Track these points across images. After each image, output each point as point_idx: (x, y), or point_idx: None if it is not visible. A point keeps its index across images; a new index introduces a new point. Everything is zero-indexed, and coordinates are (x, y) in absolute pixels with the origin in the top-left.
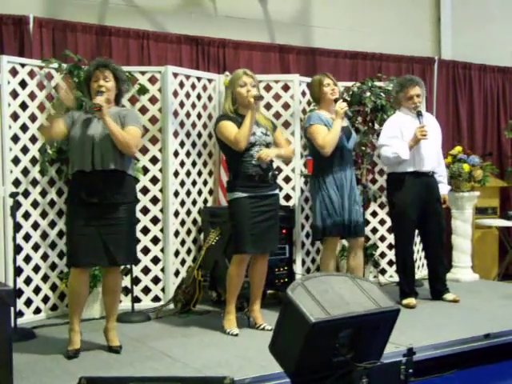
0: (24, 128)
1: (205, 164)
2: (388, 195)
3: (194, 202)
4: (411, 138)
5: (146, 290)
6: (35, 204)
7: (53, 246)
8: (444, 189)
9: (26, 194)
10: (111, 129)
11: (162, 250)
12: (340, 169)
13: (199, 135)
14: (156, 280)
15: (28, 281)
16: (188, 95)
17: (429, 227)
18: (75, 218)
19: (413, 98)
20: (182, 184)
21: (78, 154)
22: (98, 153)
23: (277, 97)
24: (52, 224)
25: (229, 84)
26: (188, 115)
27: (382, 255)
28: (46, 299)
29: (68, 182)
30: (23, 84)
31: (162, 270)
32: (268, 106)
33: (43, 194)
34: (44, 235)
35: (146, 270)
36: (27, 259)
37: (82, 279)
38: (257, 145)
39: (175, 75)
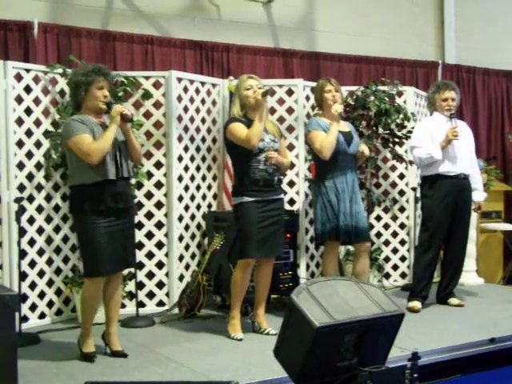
0: (29, 133)
1: (209, 169)
2: (420, 197)
3: (199, 207)
4: (443, 138)
5: (151, 295)
6: (40, 209)
7: (57, 250)
8: (479, 195)
9: (30, 198)
10: (134, 140)
11: (167, 255)
12: (341, 173)
13: (203, 140)
14: (160, 285)
15: (33, 286)
16: (192, 100)
17: (455, 230)
18: (100, 226)
19: (448, 100)
20: (187, 189)
21: (103, 163)
22: (122, 161)
23: (281, 101)
24: (57, 229)
25: (235, 90)
26: (192, 120)
27: (387, 259)
28: (50, 304)
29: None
30: (28, 89)
31: (167, 274)
32: (272, 111)
33: (48, 198)
34: (49, 240)
35: (150, 275)
36: (32, 264)
37: (101, 287)
38: (265, 151)
39: (179, 80)
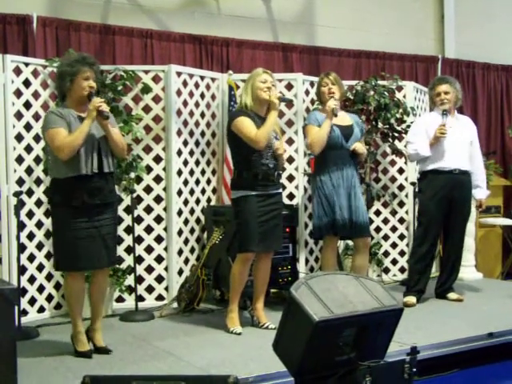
0: (28, 127)
1: (208, 163)
2: (417, 192)
3: (198, 201)
4: (432, 135)
5: (150, 289)
6: (39, 203)
7: None
8: (480, 193)
9: (29, 192)
10: (113, 135)
11: (166, 249)
12: (337, 168)
13: (202, 134)
14: (160, 279)
15: (32, 279)
16: (191, 94)
17: (452, 225)
18: (76, 220)
19: (440, 94)
20: (186, 183)
21: (77, 158)
22: (102, 156)
23: None
24: None
25: (247, 80)
26: (191, 114)
27: (386, 254)
28: (49, 298)
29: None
30: (27, 83)
31: (166, 268)
32: None
33: (47, 193)
34: (48, 234)
35: (149, 269)
36: (31, 258)
37: (81, 281)
38: (267, 146)
39: (179, 74)
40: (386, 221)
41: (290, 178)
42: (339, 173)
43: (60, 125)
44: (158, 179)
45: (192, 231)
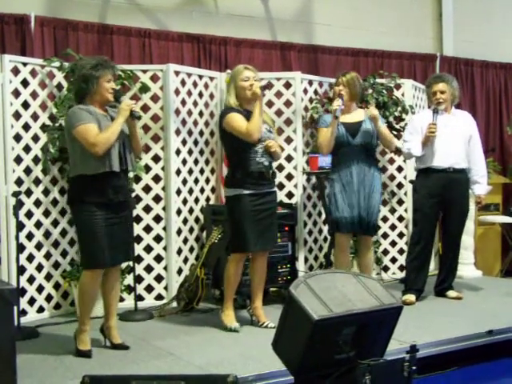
0: (26, 127)
1: (207, 162)
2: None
3: (197, 200)
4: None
5: (149, 289)
6: (38, 203)
7: (56, 244)
8: (480, 189)
9: (28, 193)
10: (138, 135)
11: (165, 248)
12: (345, 166)
13: (201, 133)
14: (159, 278)
15: (31, 280)
16: (190, 93)
17: (448, 224)
18: (100, 217)
19: (436, 93)
20: (185, 182)
21: (109, 154)
22: (127, 154)
23: (278, 94)
24: (55, 223)
25: (230, 80)
26: (190, 113)
27: (385, 252)
28: (49, 298)
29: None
30: (25, 83)
31: (165, 268)
32: (270, 104)
33: (46, 192)
34: (47, 234)
35: (148, 269)
36: (30, 258)
37: (100, 279)
38: (262, 141)
39: (177, 73)
40: (385, 219)
41: (289, 177)
42: (347, 170)
43: (90, 121)
44: (156, 178)
45: (191, 230)
